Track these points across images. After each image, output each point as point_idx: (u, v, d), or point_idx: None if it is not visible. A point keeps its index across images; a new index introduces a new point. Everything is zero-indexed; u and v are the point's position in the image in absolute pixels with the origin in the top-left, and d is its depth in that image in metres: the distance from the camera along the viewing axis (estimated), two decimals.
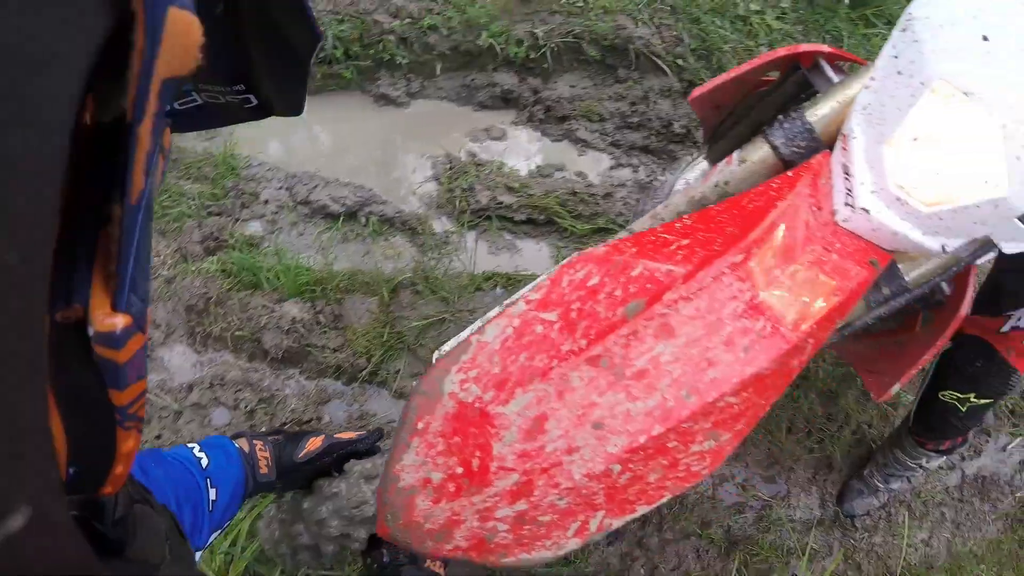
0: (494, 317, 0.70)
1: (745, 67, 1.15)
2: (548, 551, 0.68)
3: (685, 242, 0.76)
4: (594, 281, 0.71)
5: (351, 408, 1.87)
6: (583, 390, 0.66)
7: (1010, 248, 0.87)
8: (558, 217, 2.06)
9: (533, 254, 2.09)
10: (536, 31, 2.23)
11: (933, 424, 1.76)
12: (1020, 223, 0.83)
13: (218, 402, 1.81)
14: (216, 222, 1.99)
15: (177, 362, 1.88)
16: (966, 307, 1.17)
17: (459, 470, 0.63)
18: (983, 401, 1.59)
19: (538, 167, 2.16)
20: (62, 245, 0.28)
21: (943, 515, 2.34)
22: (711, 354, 0.70)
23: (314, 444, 0.96)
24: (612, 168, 2.22)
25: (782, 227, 0.80)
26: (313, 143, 2.23)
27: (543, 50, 2.21)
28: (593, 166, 2.23)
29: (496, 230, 2.08)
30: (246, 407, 1.81)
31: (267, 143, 2.19)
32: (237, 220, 2.03)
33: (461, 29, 2.21)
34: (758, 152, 1.01)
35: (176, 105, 0.49)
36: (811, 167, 0.88)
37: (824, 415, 2.16)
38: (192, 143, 2.11)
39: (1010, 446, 2.60)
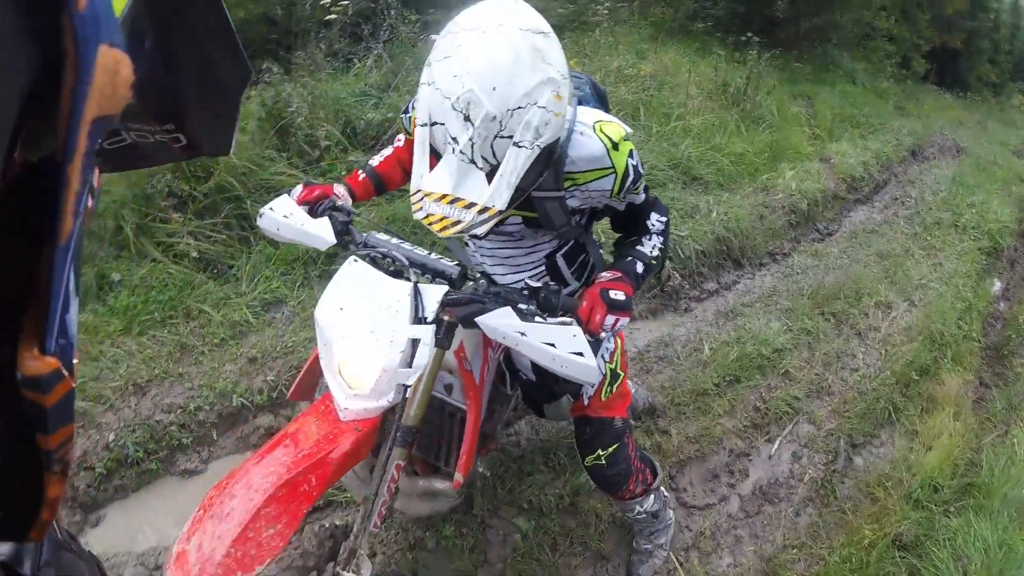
0: None
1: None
2: None
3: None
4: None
5: None
6: (212, 526, 1.35)
7: (411, 380, 1.55)
8: None
9: None
10: (269, 379, 3.05)
11: (603, 485, 2.22)
12: (400, 370, 1.53)
13: None
14: None
15: None
16: (473, 406, 1.82)
17: None
18: (610, 449, 2.10)
19: None
20: None
21: (737, 537, 2.65)
22: (248, 497, 1.41)
23: None
24: None
25: (288, 438, 1.57)
26: (148, 523, 2.74)
27: (278, 389, 3.00)
28: None
29: None
30: None
31: (114, 540, 2.67)
32: None
33: (217, 400, 2.99)
34: None
35: (106, 144, 0.47)
36: (316, 407, 1.66)
37: (577, 524, 2.58)
38: None
39: (773, 450, 3.01)
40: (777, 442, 3.08)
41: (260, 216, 1.76)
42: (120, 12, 0.31)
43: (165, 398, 2.94)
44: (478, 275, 1.82)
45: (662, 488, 2.42)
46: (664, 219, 1.84)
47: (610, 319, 1.60)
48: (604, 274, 1.72)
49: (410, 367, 1.54)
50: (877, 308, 4.25)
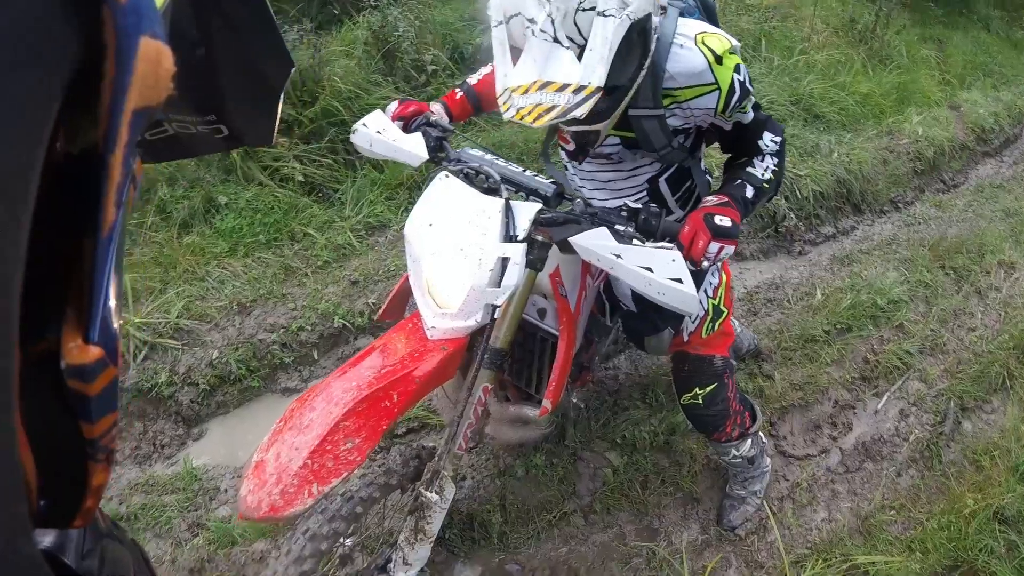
0: None
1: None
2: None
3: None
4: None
5: None
6: (290, 437, 1.37)
7: (500, 300, 1.50)
8: None
9: None
10: (370, 301, 3.11)
11: (698, 425, 2.18)
12: (488, 289, 1.48)
13: None
14: (194, 515, 2.56)
15: None
16: (566, 333, 1.77)
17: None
18: (708, 389, 2.04)
19: None
20: (32, 279, 0.27)
21: (835, 491, 2.57)
22: (328, 410, 1.41)
23: None
24: None
25: (374, 352, 1.56)
26: (247, 438, 2.85)
27: (378, 311, 3.06)
28: None
29: None
30: None
31: (214, 453, 2.82)
32: (208, 510, 2.61)
33: (319, 321, 3.07)
34: None
35: (147, 135, 0.47)
36: (404, 325, 1.64)
37: (671, 463, 2.55)
38: (160, 469, 2.73)
39: (880, 405, 2.88)
40: (885, 397, 2.95)
41: (353, 132, 1.73)
42: (162, 4, 0.32)
43: (268, 318, 3.03)
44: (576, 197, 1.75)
45: (760, 434, 2.35)
46: (779, 139, 1.70)
47: (714, 246, 1.50)
48: (710, 198, 1.62)
49: (499, 287, 1.50)
50: (1000, 267, 3.97)
